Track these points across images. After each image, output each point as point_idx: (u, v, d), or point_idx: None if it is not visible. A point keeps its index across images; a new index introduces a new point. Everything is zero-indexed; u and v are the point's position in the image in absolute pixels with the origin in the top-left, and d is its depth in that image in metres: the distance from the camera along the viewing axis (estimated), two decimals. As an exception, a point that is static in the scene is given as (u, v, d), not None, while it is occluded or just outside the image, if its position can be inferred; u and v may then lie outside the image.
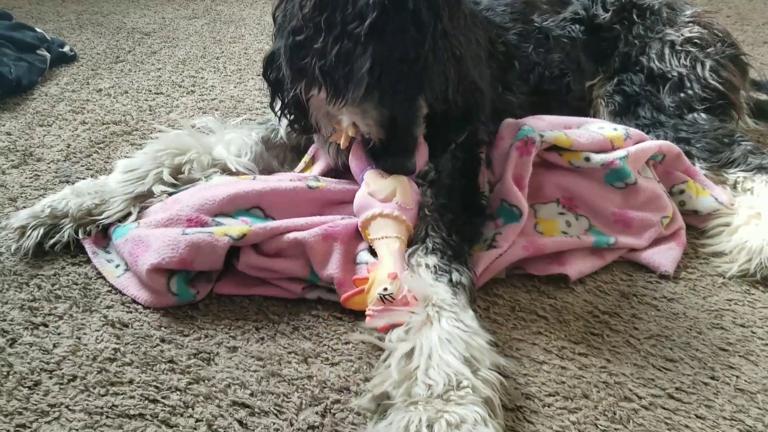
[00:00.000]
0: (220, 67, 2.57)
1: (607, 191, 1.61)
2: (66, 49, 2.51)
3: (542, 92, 1.88)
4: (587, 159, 1.59)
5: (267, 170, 1.73)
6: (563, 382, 1.21)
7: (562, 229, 1.54)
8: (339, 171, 1.69)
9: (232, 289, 1.36)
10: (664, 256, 1.54)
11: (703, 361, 1.28)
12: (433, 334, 1.15)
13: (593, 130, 1.68)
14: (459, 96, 1.44)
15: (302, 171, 1.73)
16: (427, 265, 1.29)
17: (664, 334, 1.34)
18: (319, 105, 1.47)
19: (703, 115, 1.89)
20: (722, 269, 1.54)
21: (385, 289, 1.24)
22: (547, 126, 1.65)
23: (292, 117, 1.54)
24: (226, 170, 1.62)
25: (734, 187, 1.77)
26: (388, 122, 1.36)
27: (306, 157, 1.74)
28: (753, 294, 1.48)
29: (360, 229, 1.40)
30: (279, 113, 1.55)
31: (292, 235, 1.33)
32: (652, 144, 1.68)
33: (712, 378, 1.24)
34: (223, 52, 2.73)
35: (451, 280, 1.27)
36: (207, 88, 2.38)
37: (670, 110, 1.90)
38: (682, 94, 1.92)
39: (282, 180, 1.52)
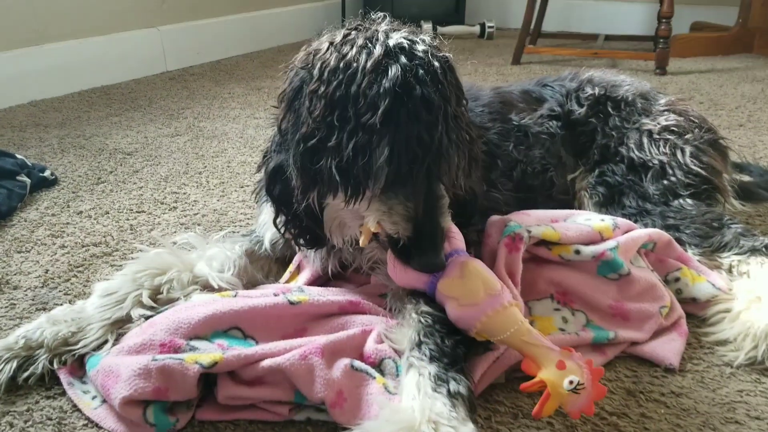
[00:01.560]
0: (203, 182, 2.57)
1: (601, 283, 1.56)
2: (47, 173, 2.51)
3: (526, 188, 1.87)
4: (577, 252, 1.56)
5: (252, 284, 1.68)
6: (576, 496, 1.12)
7: (559, 326, 1.49)
8: (326, 278, 1.65)
9: (215, 414, 1.28)
10: (667, 349, 1.48)
11: (723, 462, 1.19)
12: (430, 456, 1.07)
13: (580, 222, 1.66)
14: (467, 183, 1.43)
15: (288, 281, 1.68)
16: (429, 374, 1.23)
17: (677, 434, 1.26)
18: (334, 214, 1.45)
19: (689, 201, 1.88)
20: (728, 358, 1.48)
21: (571, 382, 1.20)
22: (534, 221, 1.63)
23: (297, 231, 1.51)
24: (207, 287, 1.57)
25: (729, 271, 1.74)
26: (414, 216, 1.32)
27: (291, 267, 1.70)
28: (764, 383, 1.41)
29: (479, 337, 1.33)
30: (283, 229, 1.51)
31: (268, 363, 1.26)
32: (642, 233, 1.65)
33: (735, 480, 1.15)
34: (206, 166, 2.73)
35: (449, 391, 1.19)
36: (189, 203, 2.36)
37: (655, 198, 1.89)
38: (665, 182, 1.91)
39: (263, 295, 1.47)
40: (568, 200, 1.98)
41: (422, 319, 1.35)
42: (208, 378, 1.29)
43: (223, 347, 1.33)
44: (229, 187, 2.52)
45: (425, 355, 1.26)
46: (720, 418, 1.30)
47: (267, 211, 1.65)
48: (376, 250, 1.49)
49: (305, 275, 1.66)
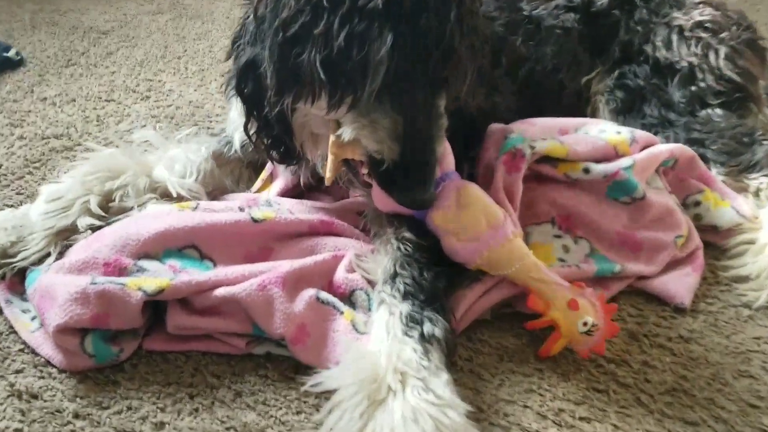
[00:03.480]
0: (181, 68, 2.33)
1: (611, 208, 1.37)
2: (12, 53, 2.27)
3: (533, 91, 1.64)
4: (586, 170, 1.36)
5: (219, 190, 1.50)
6: (561, 458, 0.99)
7: (559, 256, 1.31)
8: (300, 191, 1.47)
9: (164, 344, 1.14)
10: (680, 284, 1.31)
11: (730, 424, 1.06)
12: (396, 411, 0.93)
13: (593, 134, 1.45)
14: (472, 100, 1.21)
15: (259, 191, 1.50)
16: (401, 314, 1.07)
17: (682, 388, 1.12)
18: (304, 121, 1.23)
19: (719, 111, 1.65)
20: (747, 298, 1.32)
21: (585, 324, 1.10)
22: (539, 132, 1.42)
23: (269, 141, 1.29)
24: (166, 195, 1.39)
25: (756, 195, 1.54)
26: (403, 135, 1.09)
27: (263, 174, 1.52)
28: (785, 329, 1.25)
29: (479, 267, 1.19)
30: (255, 137, 1.29)
31: (222, 291, 1.10)
32: (663, 148, 1.44)
33: (744, 447, 1.02)
34: (186, 50, 2.49)
35: (422, 335, 1.04)
36: (164, 92, 2.14)
37: (680, 106, 1.66)
38: (693, 88, 1.68)
39: (226, 209, 1.29)
40: (580, 105, 1.75)
41: (401, 247, 1.18)
42: (158, 304, 1.14)
43: (175, 269, 1.17)
44: (208, 75, 2.29)
45: (398, 291, 1.10)
46: (732, 371, 1.15)
47: (237, 107, 1.44)
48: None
49: (278, 185, 1.47)
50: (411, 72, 1.06)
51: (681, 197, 1.48)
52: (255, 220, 1.23)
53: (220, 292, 1.10)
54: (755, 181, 1.54)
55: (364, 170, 1.17)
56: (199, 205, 1.32)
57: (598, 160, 1.39)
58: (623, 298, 1.31)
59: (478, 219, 1.16)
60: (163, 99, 2.09)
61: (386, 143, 1.10)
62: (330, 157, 1.19)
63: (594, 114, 1.74)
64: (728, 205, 1.46)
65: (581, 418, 1.05)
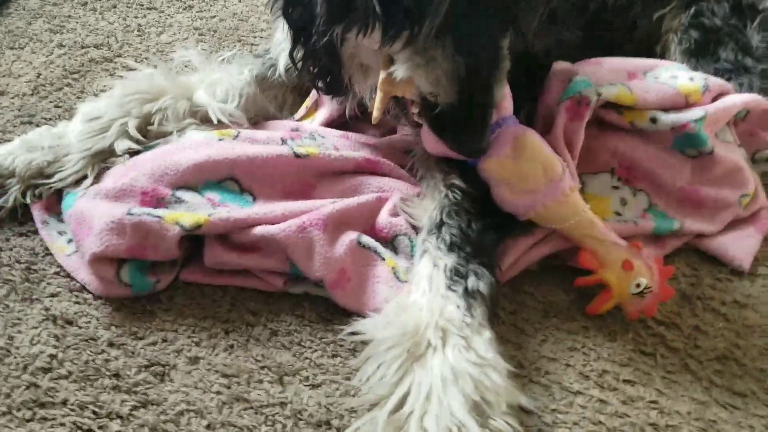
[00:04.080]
0: (226, -23, 2.23)
1: (676, 160, 1.29)
2: (52, -48, 2.20)
3: (602, 27, 1.52)
4: (654, 120, 1.27)
5: (262, 115, 1.43)
6: (601, 423, 0.96)
7: (615, 209, 1.24)
8: (346, 120, 1.41)
9: (202, 276, 1.11)
10: (740, 246, 1.24)
11: (782, 399, 1.01)
12: (435, 369, 0.89)
13: (664, 80, 1.34)
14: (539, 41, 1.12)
15: (302, 119, 1.44)
16: (445, 267, 1.02)
17: (732, 356, 1.07)
18: (354, 52, 1.15)
19: (800, 59, 1.52)
20: (815, 267, 1.24)
21: (638, 285, 1.06)
22: (607, 74, 1.32)
23: (317, 70, 1.21)
24: (207, 121, 1.34)
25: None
26: (463, 78, 1.01)
27: (308, 102, 1.45)
28: None
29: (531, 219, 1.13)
30: (301, 65, 1.21)
31: (260, 230, 1.06)
32: (737, 100, 1.33)
33: (794, 425, 0.97)
34: (231, -43, 2.37)
35: (466, 290, 1.00)
36: (207, 2, 2.05)
37: (758, 51, 1.53)
38: (775, 31, 1.54)
39: (268, 140, 1.24)
40: (650, 45, 1.62)
41: (450, 195, 1.12)
42: (197, 236, 1.11)
43: (214, 202, 1.13)
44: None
45: (444, 242, 1.05)
46: (789, 344, 1.10)
47: (283, 28, 1.36)
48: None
49: (322, 114, 1.41)
50: (476, 8, 0.97)
51: (750, 152, 1.38)
52: (298, 155, 1.18)
53: (258, 230, 1.07)
54: (833, 137, 1.43)
55: (415, 109, 1.10)
56: (240, 133, 1.27)
57: (666, 109, 1.29)
58: (678, 257, 1.24)
59: (535, 171, 1.09)
60: (206, 9, 2.00)
61: (443, 85, 1.02)
62: (379, 94, 1.12)
63: (664, 54, 1.61)
64: (803, 162, 1.36)
65: (625, 381, 1.02)
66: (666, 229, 1.22)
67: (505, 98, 1.14)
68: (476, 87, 1.02)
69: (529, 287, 1.16)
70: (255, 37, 1.88)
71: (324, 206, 1.11)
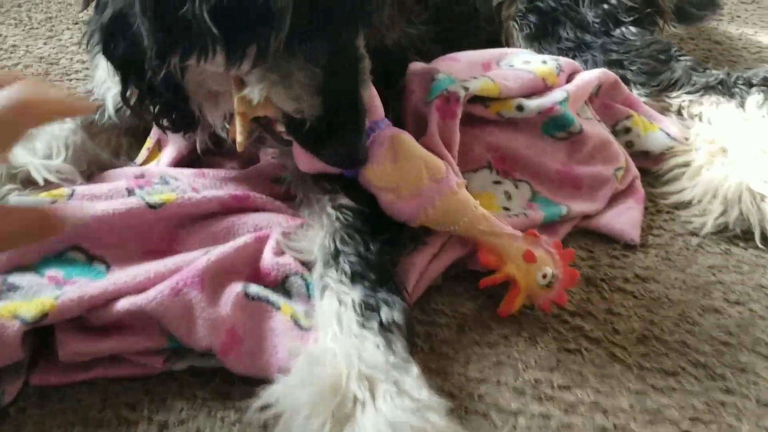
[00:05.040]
0: (24, 18, 1.96)
1: (547, 145, 1.26)
2: None
3: (446, 18, 1.48)
4: (520, 108, 1.23)
5: (97, 166, 1.22)
6: (549, 437, 0.89)
7: (502, 204, 1.19)
8: (198, 156, 1.24)
9: (59, 376, 0.90)
10: (624, 220, 1.23)
11: (710, 368, 0.99)
12: (368, 428, 0.77)
13: (519, 66, 1.32)
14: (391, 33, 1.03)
15: (145, 162, 1.26)
16: (353, 302, 0.90)
17: (652, 334, 1.04)
18: (200, 80, 1.00)
19: (632, 29, 1.57)
20: (694, 225, 1.26)
21: (545, 276, 1.00)
22: (465, 68, 1.27)
23: (158, 108, 1.06)
24: (31, 183, 1.12)
25: (679, 113, 1.49)
26: (324, 86, 0.91)
27: (149, 142, 1.27)
28: (734, 254, 1.21)
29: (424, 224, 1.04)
30: (137, 105, 1.06)
31: (125, 304, 0.88)
32: (591, 76, 1.34)
33: (727, 392, 0.95)
34: (24, -4, 2.11)
35: (381, 324, 0.89)
36: (6, 49, 1.79)
37: (594, 27, 1.56)
38: (605, 6, 1.58)
39: (112, 193, 1.06)
40: (495, 31, 1.61)
41: (340, 216, 1.01)
42: (44, 328, 0.90)
43: (59, 280, 0.93)
44: (59, 24, 1.94)
45: (345, 273, 0.93)
46: (696, 308, 1.09)
47: (104, 65, 1.18)
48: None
49: (169, 154, 1.24)
50: (325, 12, 0.87)
51: (609, 124, 1.39)
52: (151, 206, 1.01)
53: (121, 305, 0.88)
54: (677, 99, 1.49)
55: (281, 128, 0.98)
56: (75, 191, 1.07)
57: (528, 95, 1.26)
58: (571, 240, 1.21)
59: (418, 171, 1.01)
60: (7, 57, 1.74)
61: (305, 99, 0.91)
62: (237, 120, 0.98)
63: (508, 41, 1.61)
64: (657, 128, 1.39)
65: (560, 387, 0.95)
66: (555, 216, 1.18)
67: (374, 101, 1.05)
68: (341, 94, 0.92)
69: (437, 303, 1.07)
70: (70, 80, 1.65)
71: (197, 260, 0.95)
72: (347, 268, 0.94)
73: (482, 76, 1.22)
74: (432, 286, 1.09)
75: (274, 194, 1.13)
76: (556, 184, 1.24)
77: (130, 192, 1.08)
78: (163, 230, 1.02)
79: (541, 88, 1.28)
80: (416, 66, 1.25)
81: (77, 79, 1.66)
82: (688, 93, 1.48)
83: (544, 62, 1.33)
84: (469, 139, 1.23)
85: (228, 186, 1.13)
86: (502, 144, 1.24)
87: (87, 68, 1.68)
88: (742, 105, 1.42)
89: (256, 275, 0.99)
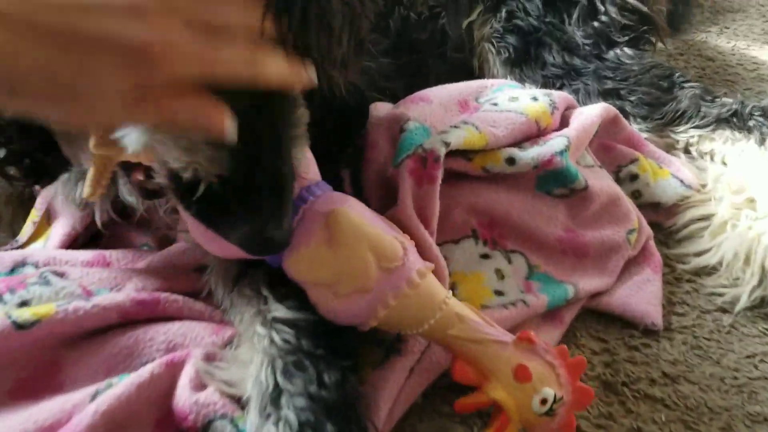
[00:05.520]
0: None
1: (544, 205, 1.02)
2: None
3: (410, 47, 1.22)
4: (510, 161, 0.98)
5: (-34, 247, 0.95)
6: None
7: (494, 287, 0.93)
8: (98, 230, 0.97)
9: None
10: (643, 297, 0.99)
11: None
12: None
13: (504, 105, 1.07)
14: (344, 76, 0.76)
15: (30, 241, 0.98)
16: None
17: (693, 458, 0.81)
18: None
19: (628, 51, 1.34)
20: (724, 299, 1.03)
21: (544, 401, 0.74)
22: (439, 110, 1.03)
23: (4, 154, 0.80)
24: None
25: (686, 151, 1.27)
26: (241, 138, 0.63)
27: (34, 215, 0.99)
28: (777, 337, 0.98)
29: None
30: None
31: None
32: (593, 115, 1.10)
33: None
34: None
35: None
36: None
37: (585, 49, 1.33)
38: (595, 24, 1.35)
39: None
40: (466, 58, 1.36)
41: (276, 337, 0.73)
42: None
43: None
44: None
45: (289, 426, 0.67)
46: (743, 418, 0.86)
47: None
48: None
49: (60, 229, 0.96)
50: None
51: (611, 170, 1.16)
52: (20, 326, 0.72)
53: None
54: (684, 134, 1.26)
55: (161, 180, 0.70)
56: None
57: (519, 142, 1.01)
58: (579, 327, 0.97)
59: (363, 258, 0.73)
60: None
61: (203, 151, 0.63)
62: (93, 160, 0.72)
63: (483, 68, 1.36)
64: (668, 174, 1.16)
65: None
66: (560, 299, 0.94)
67: (308, 162, 0.79)
68: (260, 150, 0.64)
69: (416, 426, 0.81)
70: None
71: (81, 408, 0.67)
72: (292, 417, 0.67)
73: (464, 123, 0.96)
74: (412, 407, 0.83)
75: (196, 291, 0.85)
76: (557, 254, 0.99)
77: (-1, 297, 0.79)
78: (38, 356, 0.74)
79: (534, 132, 1.04)
80: (379, 109, 1.00)
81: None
82: (698, 127, 1.25)
83: (535, 99, 1.08)
84: (447, 201, 0.97)
85: (134, 279, 0.85)
86: (488, 205, 0.99)
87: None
88: (762, 142, 1.20)
89: (167, 420, 0.71)
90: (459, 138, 0.91)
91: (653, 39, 1.46)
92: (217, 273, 0.84)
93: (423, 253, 0.84)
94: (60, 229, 0.96)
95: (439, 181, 0.89)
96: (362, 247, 0.74)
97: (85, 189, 0.77)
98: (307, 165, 0.79)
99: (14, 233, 1.01)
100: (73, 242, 0.96)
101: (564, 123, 1.12)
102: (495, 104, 1.07)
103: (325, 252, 0.73)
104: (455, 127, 0.94)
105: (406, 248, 0.77)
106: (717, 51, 1.83)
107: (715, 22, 2.02)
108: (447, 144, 0.90)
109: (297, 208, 0.75)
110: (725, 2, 2.13)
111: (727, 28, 1.99)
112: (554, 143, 1.00)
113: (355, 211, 0.77)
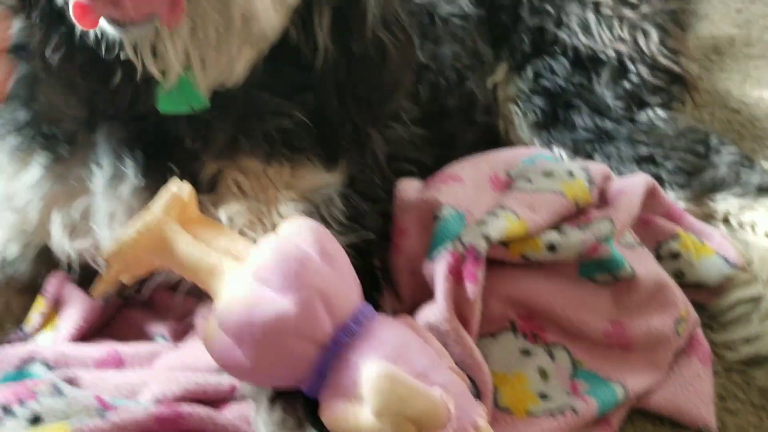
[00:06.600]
0: None
1: (587, 293, 0.95)
2: None
3: (440, 114, 1.15)
4: (551, 247, 0.91)
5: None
6: None
7: (538, 390, 0.86)
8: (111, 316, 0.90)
9: None
10: (693, 395, 0.92)
11: None
12: None
13: (539, 183, 0.99)
14: None
15: (39, 329, 0.91)
16: None
17: None
18: None
19: (661, 113, 1.29)
20: (779, 395, 0.96)
21: None
22: (472, 191, 0.96)
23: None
24: None
25: (726, 221, 1.21)
26: None
27: (41, 304, 0.92)
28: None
29: None
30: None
31: None
32: (636, 194, 1.04)
33: None
34: None
35: None
36: None
37: (616, 112, 1.27)
38: (626, 84, 1.30)
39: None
40: (491, 122, 1.30)
41: None
42: None
43: None
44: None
45: None
46: None
47: None
48: None
49: (70, 320, 0.89)
50: None
51: (651, 247, 1.09)
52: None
53: None
54: (723, 203, 1.21)
55: None
56: None
57: (557, 225, 0.95)
58: (626, 429, 0.90)
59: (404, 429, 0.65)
60: None
61: None
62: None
63: (508, 130, 1.30)
64: (712, 252, 1.09)
65: None
66: (610, 403, 0.86)
67: (347, 278, 0.72)
68: None
69: None
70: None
71: None
72: None
73: (501, 209, 0.89)
74: None
75: (220, 397, 0.78)
76: (603, 347, 0.92)
77: (7, 410, 0.72)
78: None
79: (574, 212, 0.97)
80: (409, 191, 0.93)
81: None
82: (738, 196, 1.20)
83: (571, 174, 1.01)
84: (483, 290, 0.90)
85: (151, 387, 0.77)
86: (527, 295, 0.92)
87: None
88: (808, 214, 1.14)
89: None
90: (499, 230, 0.84)
91: (684, 98, 1.40)
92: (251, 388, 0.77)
93: (465, 360, 0.77)
94: (69, 320, 0.90)
95: (481, 280, 0.82)
96: (405, 422, 0.65)
97: (97, 287, 0.73)
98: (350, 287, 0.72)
99: (19, 323, 0.94)
100: (82, 335, 0.89)
101: (602, 196, 1.05)
102: (529, 180, 1.00)
103: (364, 416, 0.66)
104: (493, 214, 0.87)
105: (450, 412, 0.68)
106: (742, 102, 1.78)
107: (737, 69, 1.96)
108: (488, 238, 0.83)
109: (333, 349, 0.68)
110: (746, 48, 2.08)
111: (750, 75, 1.94)
112: (598, 228, 0.93)
113: (400, 360, 0.68)
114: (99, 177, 0.85)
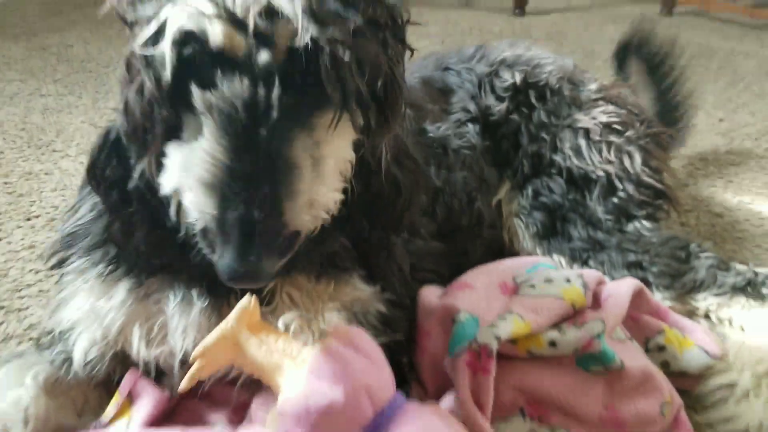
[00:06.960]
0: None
1: (583, 382, 1.11)
2: None
3: (453, 230, 1.36)
4: (552, 344, 1.09)
5: (59, 432, 1.05)
6: None
7: (545, 467, 1.02)
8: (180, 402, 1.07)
9: None
10: (680, 470, 1.07)
11: None
12: None
13: (542, 289, 1.19)
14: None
15: (113, 421, 1.08)
16: None
17: None
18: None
19: (646, 224, 1.48)
20: (759, 471, 1.10)
21: None
22: (484, 297, 1.15)
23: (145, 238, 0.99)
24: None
25: (706, 316, 1.38)
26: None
27: (117, 397, 1.09)
28: None
29: None
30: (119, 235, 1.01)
31: None
32: (623, 296, 1.22)
33: None
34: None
35: None
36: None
37: (607, 224, 1.47)
38: (615, 200, 1.50)
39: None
40: (497, 235, 1.51)
41: None
42: None
43: None
44: (8, 220, 1.77)
45: None
46: None
47: (79, 287, 1.07)
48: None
49: (143, 409, 1.06)
50: None
51: (641, 342, 1.26)
52: None
53: None
54: (704, 302, 1.38)
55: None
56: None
57: (557, 324, 1.13)
58: (622, 501, 1.05)
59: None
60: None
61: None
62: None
63: (513, 241, 1.50)
64: (692, 345, 1.26)
65: None
66: (607, 478, 1.02)
67: (381, 372, 0.90)
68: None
69: None
70: (21, 297, 1.46)
71: None
72: None
73: (509, 313, 1.08)
74: None
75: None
76: (599, 428, 1.08)
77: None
78: None
79: (571, 313, 1.15)
80: (429, 298, 1.12)
81: (29, 296, 1.46)
82: (716, 295, 1.37)
83: (568, 281, 1.21)
84: (496, 380, 1.08)
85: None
86: (534, 385, 1.09)
87: (41, 280, 1.50)
88: (776, 309, 1.31)
89: None
90: (507, 331, 1.03)
91: (667, 209, 1.60)
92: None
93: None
94: (143, 409, 1.06)
95: (493, 373, 0.99)
96: None
97: (184, 382, 0.90)
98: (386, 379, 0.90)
99: (97, 415, 1.10)
100: (154, 422, 1.05)
101: (596, 298, 1.23)
102: (532, 286, 1.19)
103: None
104: (502, 318, 1.06)
105: None
106: (724, 206, 1.98)
107: (719, 175, 2.18)
108: (498, 338, 1.02)
109: (381, 423, 0.85)
110: (728, 156, 2.30)
111: (731, 181, 2.15)
112: (592, 327, 1.11)
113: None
114: (172, 301, 1.04)
